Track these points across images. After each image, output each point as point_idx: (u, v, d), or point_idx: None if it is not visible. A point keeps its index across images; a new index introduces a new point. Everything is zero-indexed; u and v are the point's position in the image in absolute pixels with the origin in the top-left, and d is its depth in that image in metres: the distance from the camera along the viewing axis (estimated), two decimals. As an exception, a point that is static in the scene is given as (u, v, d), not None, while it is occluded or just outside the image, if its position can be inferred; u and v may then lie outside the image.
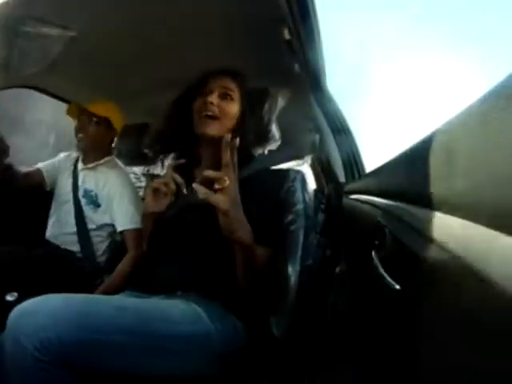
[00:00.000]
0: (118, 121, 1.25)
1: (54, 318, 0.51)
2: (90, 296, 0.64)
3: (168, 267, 0.77)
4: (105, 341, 0.54)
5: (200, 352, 0.63)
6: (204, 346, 0.63)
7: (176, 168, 0.82)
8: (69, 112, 1.24)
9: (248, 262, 0.68)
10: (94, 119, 1.18)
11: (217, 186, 0.58)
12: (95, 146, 1.22)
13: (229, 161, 0.59)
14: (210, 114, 0.77)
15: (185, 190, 0.71)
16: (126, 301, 0.65)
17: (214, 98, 0.78)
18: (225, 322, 0.68)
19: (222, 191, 0.58)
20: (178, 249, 0.78)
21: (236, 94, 0.82)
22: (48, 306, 0.53)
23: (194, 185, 0.58)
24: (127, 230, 1.13)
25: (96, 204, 1.17)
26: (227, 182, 0.58)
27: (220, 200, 0.57)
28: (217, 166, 0.80)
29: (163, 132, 0.88)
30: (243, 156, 0.73)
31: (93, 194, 1.18)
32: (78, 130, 1.20)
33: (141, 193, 1.38)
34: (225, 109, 0.79)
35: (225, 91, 0.81)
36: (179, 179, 0.70)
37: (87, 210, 1.17)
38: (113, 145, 1.33)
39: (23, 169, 1.24)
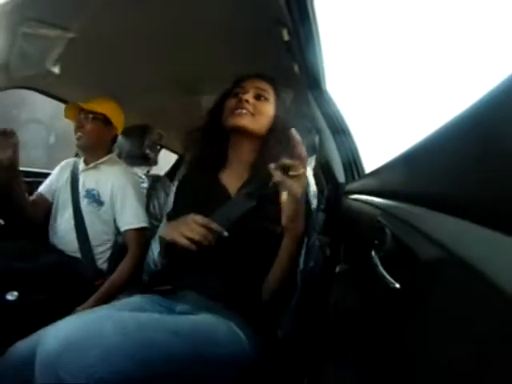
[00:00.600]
0: (116, 117, 1.24)
1: (107, 352, 0.44)
2: (142, 318, 0.55)
3: (196, 275, 0.73)
4: (159, 373, 0.49)
5: (236, 372, 0.60)
6: (240, 367, 0.61)
7: (202, 168, 0.82)
8: (66, 114, 1.23)
9: (291, 258, 0.67)
10: (91, 116, 1.18)
11: (292, 173, 0.58)
12: (94, 143, 1.21)
13: (302, 153, 0.59)
14: (243, 111, 0.77)
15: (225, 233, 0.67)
16: (178, 323, 0.57)
17: (249, 97, 0.78)
18: (254, 339, 0.67)
19: (296, 178, 0.58)
20: (206, 258, 0.73)
21: (271, 96, 0.82)
22: (97, 334, 0.46)
23: (271, 167, 0.59)
24: (131, 230, 1.13)
25: (99, 202, 1.16)
26: (302, 170, 0.59)
27: (293, 185, 0.58)
28: (245, 163, 0.80)
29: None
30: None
31: (95, 192, 1.17)
32: (76, 129, 1.19)
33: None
34: (259, 107, 0.79)
35: (260, 92, 0.81)
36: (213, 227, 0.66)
37: (91, 209, 1.16)
38: (116, 141, 1.32)
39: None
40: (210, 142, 0.83)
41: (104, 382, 0.43)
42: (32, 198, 1.25)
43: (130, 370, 0.45)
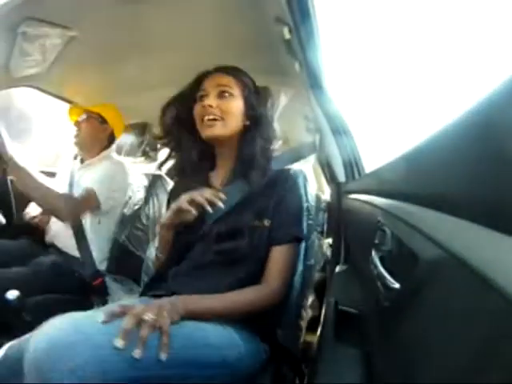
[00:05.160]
0: (111, 116, 1.29)
1: (97, 353, 0.43)
2: None
3: (192, 278, 0.72)
4: (153, 377, 0.48)
5: (230, 375, 0.60)
6: (235, 370, 0.61)
7: (192, 173, 0.80)
8: (69, 117, 1.28)
9: None
10: (85, 116, 1.23)
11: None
12: (89, 141, 1.25)
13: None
14: (211, 117, 0.74)
15: (209, 208, 0.68)
16: (172, 328, 0.53)
17: (211, 100, 0.75)
18: (251, 342, 0.66)
19: None
20: (201, 260, 0.74)
21: (235, 90, 0.77)
22: (87, 335, 0.45)
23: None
24: (88, 189, 1.13)
25: None
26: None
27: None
28: (229, 162, 0.79)
29: (168, 136, 0.84)
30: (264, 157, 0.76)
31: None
32: (74, 128, 1.25)
33: (141, 192, 1.38)
34: (225, 108, 0.75)
35: (221, 89, 0.76)
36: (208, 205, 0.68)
37: None
38: (114, 142, 1.34)
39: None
40: (194, 149, 0.81)
41: (93, 381, 0.42)
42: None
43: (122, 372, 0.44)
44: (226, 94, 0.76)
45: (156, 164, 1.64)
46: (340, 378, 0.45)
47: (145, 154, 1.52)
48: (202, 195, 0.69)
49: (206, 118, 0.75)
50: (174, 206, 0.72)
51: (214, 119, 0.75)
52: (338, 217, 1.03)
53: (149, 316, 0.49)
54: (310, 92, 1.02)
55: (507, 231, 0.20)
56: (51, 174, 1.38)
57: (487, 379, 0.19)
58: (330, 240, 1.20)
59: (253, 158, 0.75)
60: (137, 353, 0.45)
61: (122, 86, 1.29)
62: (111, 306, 0.52)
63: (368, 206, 0.63)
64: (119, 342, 0.45)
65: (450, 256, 0.25)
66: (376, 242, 0.46)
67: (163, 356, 0.47)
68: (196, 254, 0.75)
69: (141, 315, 0.49)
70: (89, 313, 0.51)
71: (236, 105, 0.77)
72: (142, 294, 0.78)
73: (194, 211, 0.68)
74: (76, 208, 1.10)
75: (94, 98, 1.31)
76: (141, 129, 1.53)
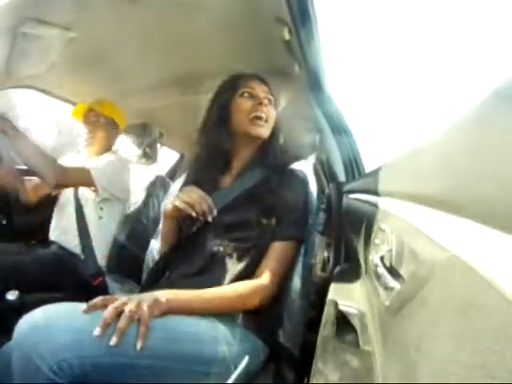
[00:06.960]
0: (122, 120, 1.31)
1: (76, 337, 0.46)
2: None
3: (190, 274, 0.73)
4: (130, 365, 0.49)
5: (222, 373, 0.59)
6: (225, 368, 0.60)
7: (206, 169, 0.83)
8: (75, 113, 1.27)
9: None
10: (102, 120, 1.22)
11: None
12: (101, 145, 1.26)
13: None
14: (263, 115, 0.79)
15: (210, 218, 0.72)
16: (155, 321, 0.54)
17: (263, 100, 0.81)
18: (245, 341, 0.66)
19: None
20: (208, 250, 0.74)
21: (272, 99, 0.85)
22: (68, 321, 0.48)
23: None
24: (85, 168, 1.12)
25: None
26: None
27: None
28: (242, 160, 0.83)
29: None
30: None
31: None
32: (88, 133, 1.25)
33: (142, 192, 1.38)
34: (271, 113, 0.82)
35: (267, 96, 0.83)
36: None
37: (89, 193, 1.18)
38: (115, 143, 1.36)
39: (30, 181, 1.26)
40: (216, 144, 0.82)
41: (70, 365, 0.44)
42: (35, 183, 1.27)
43: (99, 357, 0.46)
44: (269, 101, 0.83)
45: (156, 164, 1.64)
46: (340, 378, 0.45)
47: (145, 154, 1.52)
48: (200, 203, 0.71)
49: (258, 114, 0.79)
50: (173, 201, 0.74)
51: (265, 119, 0.80)
52: (338, 217, 1.03)
53: (128, 308, 0.50)
54: (309, 92, 1.02)
55: (508, 231, 0.20)
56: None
57: (487, 379, 0.19)
58: (329, 240, 1.20)
59: (272, 152, 0.82)
60: (113, 340, 0.47)
61: (122, 87, 1.29)
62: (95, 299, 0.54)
63: (368, 206, 0.63)
64: (98, 332, 0.47)
65: (449, 256, 0.25)
66: (376, 241, 0.46)
67: (139, 345, 0.48)
68: (203, 242, 0.75)
69: (121, 308, 0.51)
70: (74, 304, 0.53)
71: (274, 113, 0.85)
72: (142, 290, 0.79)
73: (193, 213, 0.71)
74: (64, 175, 1.08)
75: (93, 98, 1.31)
76: (141, 129, 1.53)
